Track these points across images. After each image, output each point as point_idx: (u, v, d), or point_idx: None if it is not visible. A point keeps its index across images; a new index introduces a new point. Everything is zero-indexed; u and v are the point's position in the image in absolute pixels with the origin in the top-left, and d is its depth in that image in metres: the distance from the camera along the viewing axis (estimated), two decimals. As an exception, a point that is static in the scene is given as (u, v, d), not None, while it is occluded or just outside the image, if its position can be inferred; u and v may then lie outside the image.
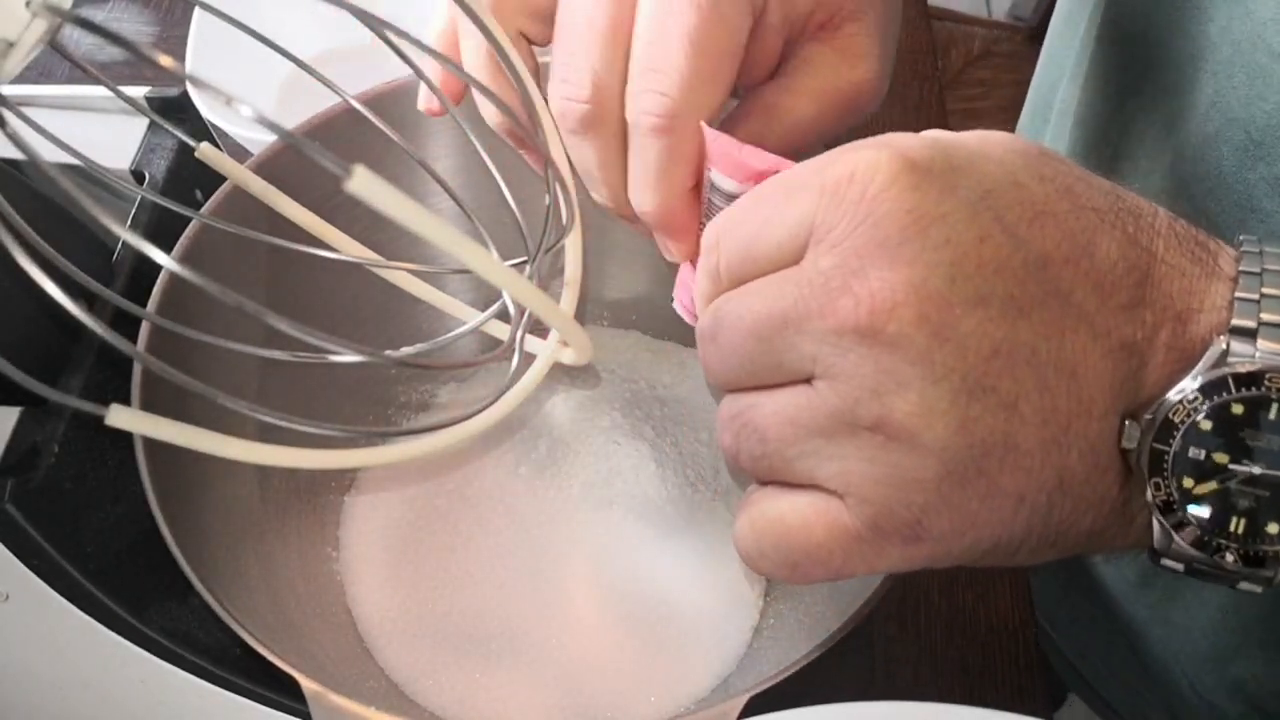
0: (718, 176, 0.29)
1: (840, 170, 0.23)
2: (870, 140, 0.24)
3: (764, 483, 0.26)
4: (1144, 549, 0.24)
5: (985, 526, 0.23)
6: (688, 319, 0.32)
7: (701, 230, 0.30)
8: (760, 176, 0.27)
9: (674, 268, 0.33)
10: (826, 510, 0.24)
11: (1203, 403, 0.22)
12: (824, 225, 0.23)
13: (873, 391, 0.22)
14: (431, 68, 0.36)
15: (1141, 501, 0.23)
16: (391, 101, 0.43)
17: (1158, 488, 0.22)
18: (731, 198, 0.28)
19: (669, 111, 0.28)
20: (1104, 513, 0.23)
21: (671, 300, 0.34)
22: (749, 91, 0.33)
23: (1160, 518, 0.23)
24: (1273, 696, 0.46)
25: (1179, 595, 0.49)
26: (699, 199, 0.30)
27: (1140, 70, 0.41)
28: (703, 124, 0.29)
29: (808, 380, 0.23)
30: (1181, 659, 0.51)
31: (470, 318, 0.39)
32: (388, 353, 0.35)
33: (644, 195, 0.30)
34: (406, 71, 0.37)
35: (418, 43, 0.30)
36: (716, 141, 0.28)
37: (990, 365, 0.22)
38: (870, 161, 0.22)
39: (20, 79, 0.31)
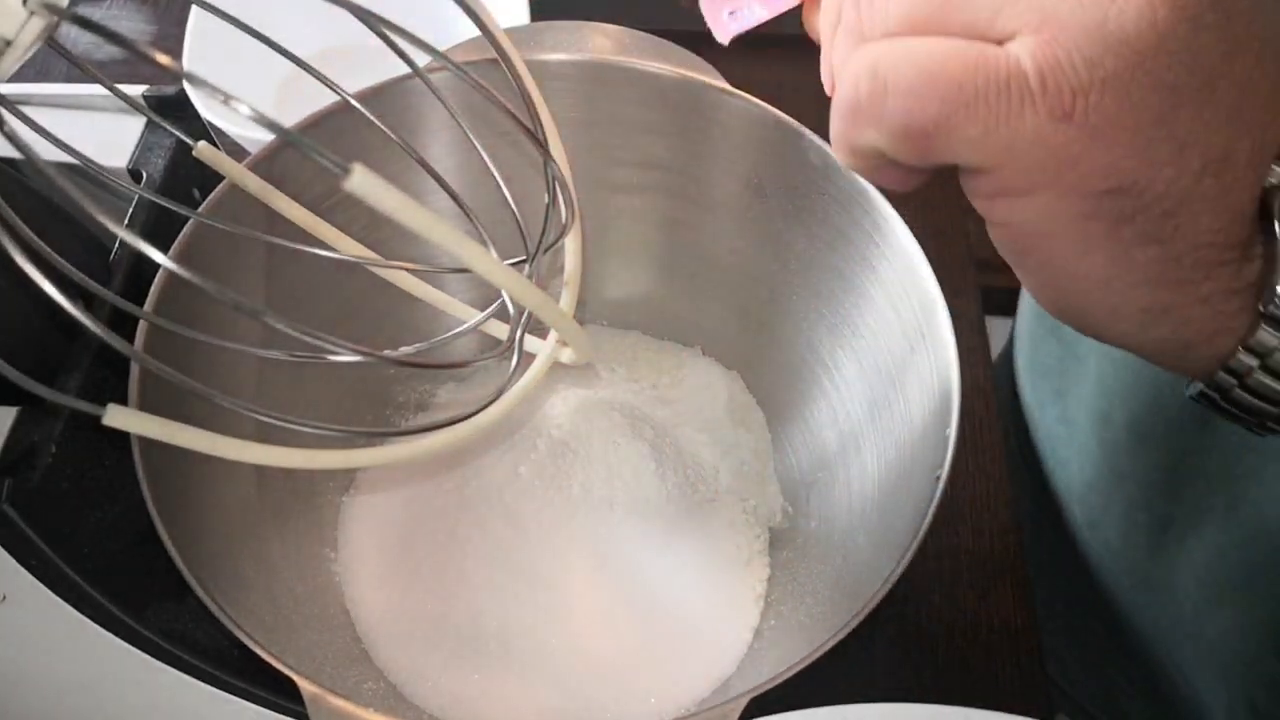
0: None
1: None
2: None
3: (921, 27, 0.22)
4: (1244, 314, 0.22)
5: (1136, 148, 0.20)
6: (720, 30, 0.29)
7: None
8: None
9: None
10: (981, 48, 0.20)
11: None
12: None
13: None
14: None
15: (1257, 250, 0.21)
16: (390, 100, 0.42)
17: None
18: None
19: None
20: (1232, 221, 0.21)
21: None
22: None
23: None
24: (1240, 659, 0.46)
25: (1163, 549, 0.49)
26: None
27: None
28: None
29: None
30: (1161, 625, 0.51)
31: (469, 317, 0.39)
32: (386, 352, 0.35)
33: None
34: (405, 70, 0.37)
35: (416, 40, 0.30)
36: None
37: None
38: None
39: (17, 77, 0.31)
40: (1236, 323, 0.22)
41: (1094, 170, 0.20)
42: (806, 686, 0.31)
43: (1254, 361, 0.21)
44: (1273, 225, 0.21)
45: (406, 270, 0.42)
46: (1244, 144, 0.20)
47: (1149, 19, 0.19)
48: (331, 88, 0.37)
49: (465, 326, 0.38)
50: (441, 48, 0.33)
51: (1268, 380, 0.21)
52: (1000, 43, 0.20)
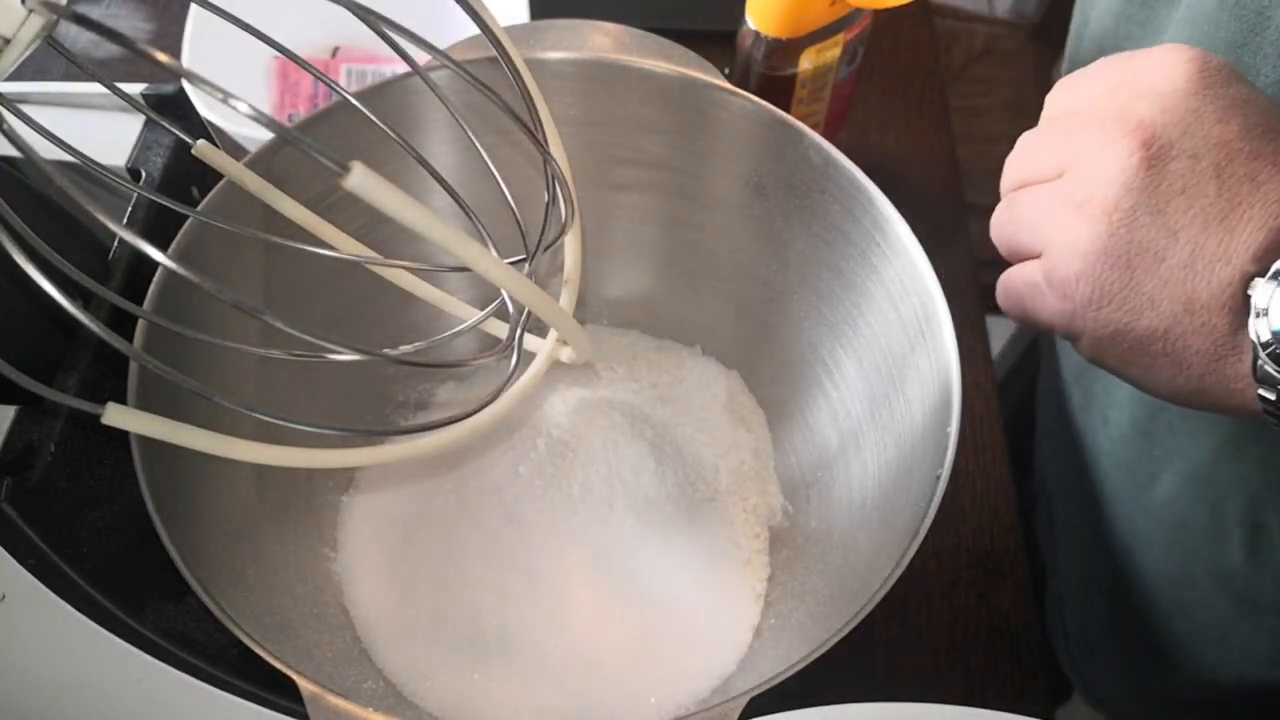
0: None
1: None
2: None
3: (1009, 254, 0.35)
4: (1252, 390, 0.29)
5: (1119, 310, 0.30)
6: None
7: None
8: None
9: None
10: (1028, 268, 0.33)
11: None
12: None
13: (1097, 181, 0.30)
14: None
15: (1245, 337, 0.29)
16: (390, 98, 0.42)
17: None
18: None
19: None
20: (1217, 340, 0.30)
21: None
22: None
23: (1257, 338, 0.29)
24: (1180, 526, 0.52)
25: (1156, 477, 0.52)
26: None
27: None
28: None
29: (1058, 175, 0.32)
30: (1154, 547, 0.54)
31: (469, 316, 0.39)
32: (386, 351, 0.35)
33: None
34: (404, 68, 0.37)
35: (416, 38, 0.30)
36: None
37: (1174, 200, 0.29)
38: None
39: (16, 76, 0.31)
40: (1251, 390, 0.30)
41: (1094, 324, 0.31)
42: (806, 686, 0.30)
43: (1271, 394, 0.29)
44: (1247, 326, 0.29)
45: (406, 269, 0.42)
46: (1201, 288, 0.29)
47: (1099, 233, 0.30)
48: (331, 86, 0.37)
49: (465, 325, 0.38)
50: (441, 46, 0.33)
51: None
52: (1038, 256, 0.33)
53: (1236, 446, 0.48)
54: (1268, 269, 0.28)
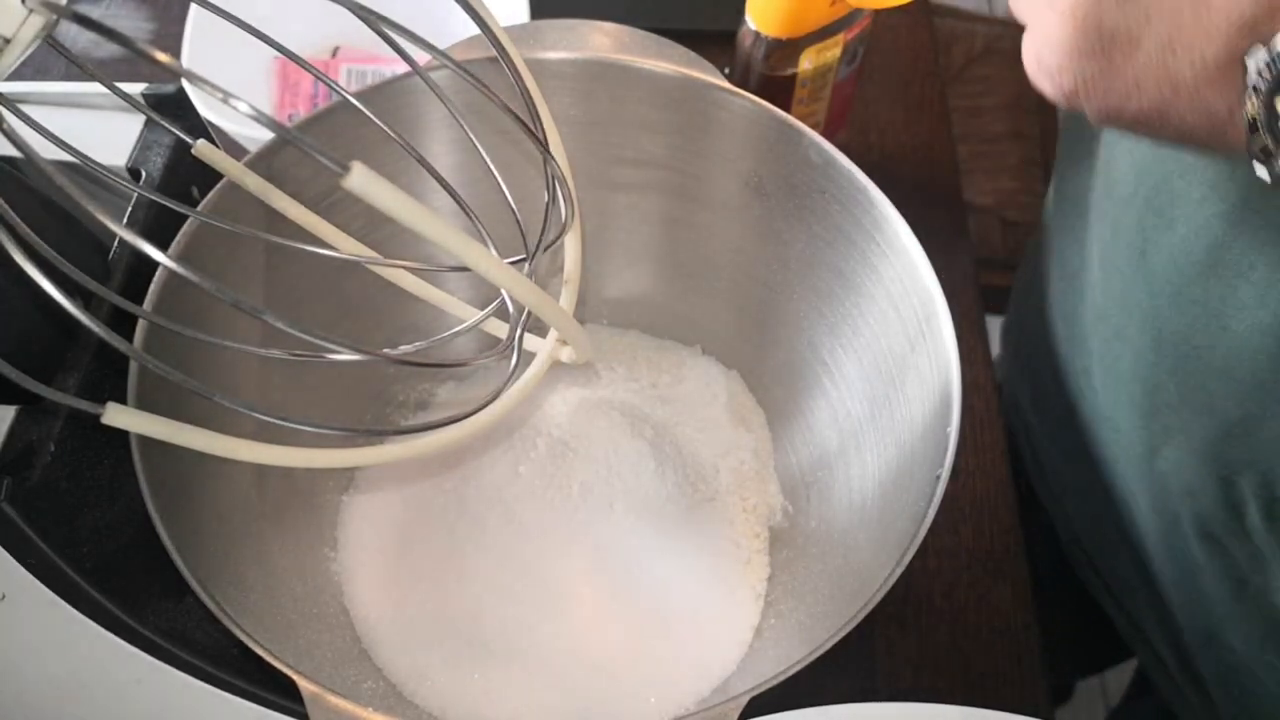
0: None
1: None
2: None
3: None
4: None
5: (1106, 97, 0.30)
6: None
7: None
8: None
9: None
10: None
11: None
12: None
13: None
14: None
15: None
16: (390, 98, 0.42)
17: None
18: None
19: None
20: (1213, 117, 0.28)
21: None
22: None
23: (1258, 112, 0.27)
24: (1187, 494, 0.50)
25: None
26: None
27: None
28: None
29: None
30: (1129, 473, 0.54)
31: (469, 316, 0.39)
32: (386, 351, 0.35)
33: None
34: (404, 68, 0.37)
35: (416, 38, 0.30)
36: None
37: None
38: None
39: (16, 75, 0.31)
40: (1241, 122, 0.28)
41: (1089, 108, 0.30)
42: (807, 686, 0.30)
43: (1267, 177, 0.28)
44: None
45: (406, 269, 0.42)
46: (1185, 69, 0.28)
47: (1067, 29, 0.29)
48: (331, 86, 0.37)
49: (465, 325, 0.38)
50: (441, 46, 0.33)
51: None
52: None
53: (1244, 429, 0.47)
54: (1269, 37, 0.26)
